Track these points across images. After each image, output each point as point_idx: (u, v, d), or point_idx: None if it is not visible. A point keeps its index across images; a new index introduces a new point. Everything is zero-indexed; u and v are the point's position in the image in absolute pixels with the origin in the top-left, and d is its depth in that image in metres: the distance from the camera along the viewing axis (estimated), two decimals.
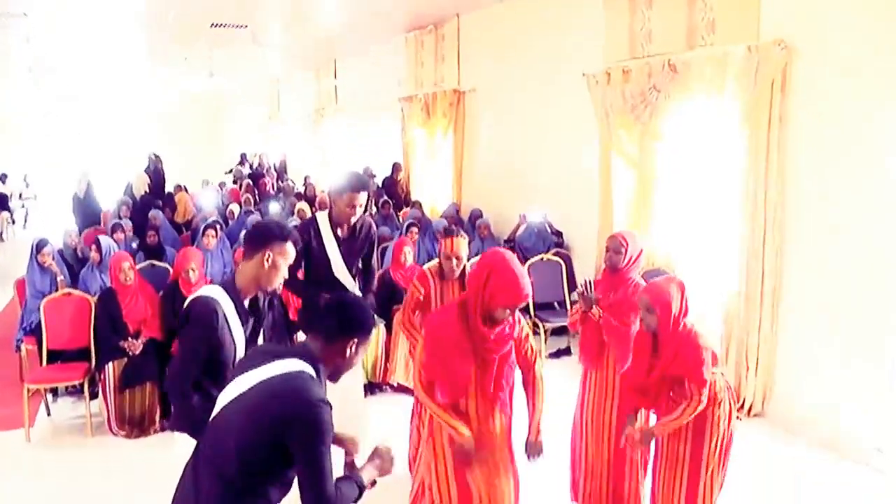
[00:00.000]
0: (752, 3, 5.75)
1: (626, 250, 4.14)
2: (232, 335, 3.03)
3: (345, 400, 4.53)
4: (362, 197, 4.59)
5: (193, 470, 2.50)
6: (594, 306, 4.13)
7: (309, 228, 4.72)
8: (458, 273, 4.47)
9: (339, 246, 4.70)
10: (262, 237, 3.16)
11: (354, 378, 4.83)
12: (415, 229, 8.05)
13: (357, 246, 4.80)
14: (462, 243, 4.50)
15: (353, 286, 4.77)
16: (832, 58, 5.24)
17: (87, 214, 11.56)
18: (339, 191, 4.61)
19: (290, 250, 3.18)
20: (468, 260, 4.58)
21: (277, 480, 2.42)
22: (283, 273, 3.20)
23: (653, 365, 3.65)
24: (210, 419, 2.52)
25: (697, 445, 3.67)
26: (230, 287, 3.10)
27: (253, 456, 2.34)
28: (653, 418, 3.90)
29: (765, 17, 5.68)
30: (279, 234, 3.16)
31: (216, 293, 3.06)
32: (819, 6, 5.31)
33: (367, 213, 5.30)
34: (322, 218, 4.75)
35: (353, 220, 4.64)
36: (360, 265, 4.90)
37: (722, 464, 3.71)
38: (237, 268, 3.24)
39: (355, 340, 2.55)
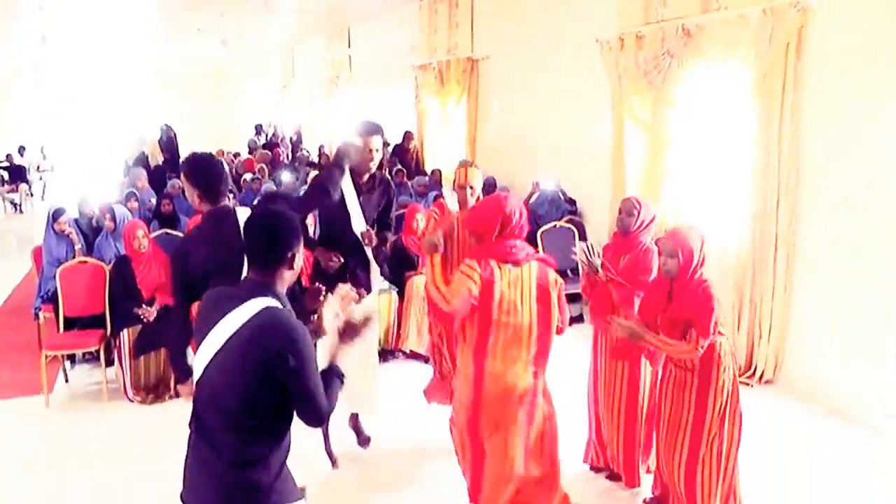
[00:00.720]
0: None
1: (639, 213, 4.15)
2: None
3: (358, 364, 4.57)
4: (376, 140, 4.49)
5: (201, 436, 2.51)
6: (599, 269, 4.12)
7: (327, 181, 4.60)
8: (472, 202, 4.51)
9: (358, 197, 4.55)
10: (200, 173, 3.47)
11: (369, 343, 4.78)
12: (443, 200, 8.04)
13: (375, 199, 4.67)
14: (476, 172, 4.61)
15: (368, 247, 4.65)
16: (849, 20, 5.16)
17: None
18: (353, 138, 4.53)
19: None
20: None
21: (286, 412, 2.47)
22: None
23: (665, 309, 3.71)
24: (197, 380, 2.52)
25: (700, 410, 3.69)
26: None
27: (259, 400, 2.38)
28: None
29: None
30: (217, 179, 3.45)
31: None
32: None
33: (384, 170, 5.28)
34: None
35: (372, 165, 4.52)
36: (376, 220, 4.75)
37: (728, 430, 3.71)
38: None
39: (293, 253, 2.53)
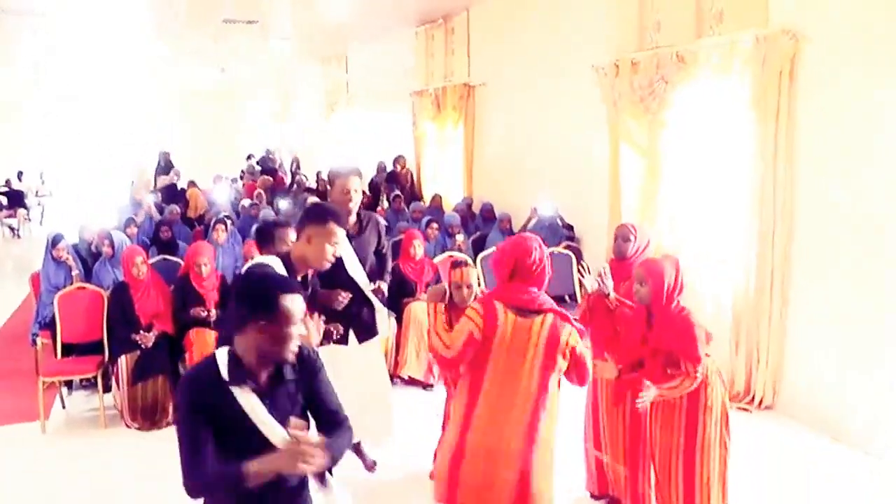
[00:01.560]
0: None
1: (635, 239, 4.17)
2: None
3: (370, 394, 4.60)
4: (354, 181, 4.52)
5: None
6: (612, 293, 4.12)
7: None
8: (470, 300, 4.42)
9: (350, 242, 4.53)
10: (306, 216, 3.50)
11: (375, 360, 4.84)
12: (435, 225, 8.08)
13: (366, 239, 4.70)
14: (471, 272, 4.50)
15: (366, 284, 4.63)
16: (841, 47, 5.22)
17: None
18: (331, 181, 4.64)
19: (332, 230, 3.44)
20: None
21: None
22: (328, 254, 3.46)
23: (646, 337, 3.72)
24: None
25: (691, 432, 3.70)
26: (286, 259, 3.35)
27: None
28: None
29: (773, 5, 5.67)
30: (321, 214, 3.49)
31: (272, 262, 3.27)
32: None
33: (379, 208, 5.29)
34: None
35: (352, 206, 4.54)
36: (373, 258, 4.79)
37: (719, 451, 3.72)
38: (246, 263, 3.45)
39: (262, 322, 2.35)
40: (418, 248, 6.84)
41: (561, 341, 3.09)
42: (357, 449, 5.02)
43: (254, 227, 8.03)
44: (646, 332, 3.73)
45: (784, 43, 5.46)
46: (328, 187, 4.69)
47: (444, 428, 4.76)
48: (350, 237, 4.52)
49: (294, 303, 2.38)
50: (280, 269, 3.30)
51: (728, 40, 5.91)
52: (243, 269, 3.46)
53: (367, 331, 4.69)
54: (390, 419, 4.94)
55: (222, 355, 2.42)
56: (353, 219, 4.58)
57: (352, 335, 4.61)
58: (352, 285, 4.48)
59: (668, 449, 3.79)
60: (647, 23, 6.99)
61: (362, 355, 4.64)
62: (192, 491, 2.34)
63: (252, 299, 2.40)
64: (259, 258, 3.39)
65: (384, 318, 4.83)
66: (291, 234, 3.75)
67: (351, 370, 4.35)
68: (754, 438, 5.36)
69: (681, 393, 3.63)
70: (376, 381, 4.83)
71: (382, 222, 4.88)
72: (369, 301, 4.64)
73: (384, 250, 4.88)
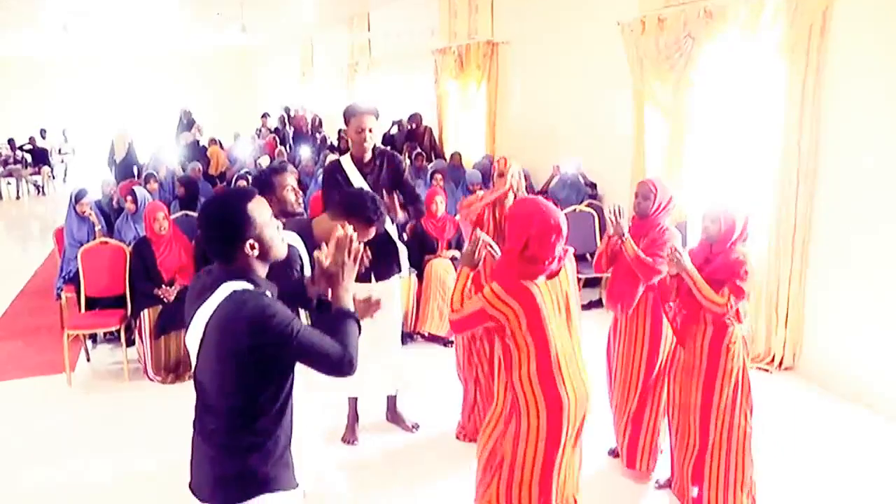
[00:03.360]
0: None
1: (655, 196, 4.09)
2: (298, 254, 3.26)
3: (380, 347, 4.52)
4: (370, 119, 4.45)
5: (197, 425, 2.51)
6: (626, 233, 4.07)
7: (334, 173, 4.57)
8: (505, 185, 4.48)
9: (366, 180, 4.50)
10: (353, 208, 3.47)
11: (391, 325, 4.73)
12: (439, 176, 8.08)
13: (383, 177, 4.58)
14: (512, 161, 4.58)
15: (388, 223, 4.41)
16: (874, 2, 5.07)
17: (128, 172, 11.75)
18: (347, 119, 4.53)
19: (370, 234, 3.51)
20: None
21: (275, 397, 2.39)
22: (290, 196, 3.62)
23: (702, 270, 3.68)
24: (193, 374, 2.49)
25: (707, 395, 3.70)
26: (307, 232, 3.32)
27: (240, 387, 2.32)
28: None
29: None
30: (370, 214, 3.47)
31: (292, 239, 3.22)
32: None
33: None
34: (345, 160, 4.61)
35: (367, 144, 4.48)
36: (398, 195, 4.56)
37: (738, 419, 3.70)
38: (316, 216, 3.46)
39: (250, 241, 2.35)
40: (440, 205, 6.82)
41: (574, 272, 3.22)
42: (394, 413, 5.00)
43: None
44: (702, 266, 3.70)
45: None
46: (345, 124, 4.57)
47: (466, 387, 4.79)
48: (365, 175, 4.51)
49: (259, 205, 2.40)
50: (298, 242, 3.31)
51: None
52: None
53: (387, 269, 4.60)
54: (400, 371, 4.88)
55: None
56: (368, 156, 4.55)
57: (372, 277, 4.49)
58: None
59: (686, 409, 3.79)
60: None
61: (380, 296, 4.53)
62: (349, 364, 2.37)
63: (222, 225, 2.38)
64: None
65: (404, 258, 4.76)
66: (290, 179, 3.67)
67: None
68: (773, 400, 5.33)
69: (704, 300, 3.59)
70: (389, 328, 4.70)
71: (399, 158, 4.75)
72: (390, 239, 4.57)
73: (408, 185, 4.70)
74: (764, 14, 5.68)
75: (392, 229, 4.58)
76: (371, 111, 4.48)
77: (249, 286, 2.34)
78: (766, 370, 5.89)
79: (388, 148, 5.32)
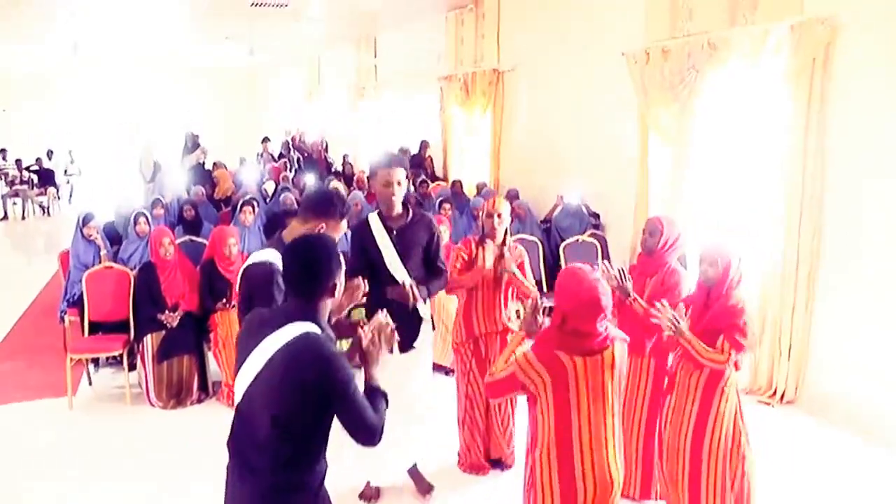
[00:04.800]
0: None
1: (662, 233, 4.11)
2: None
3: (403, 417, 4.25)
4: (398, 173, 4.14)
5: (237, 459, 2.54)
6: (631, 293, 4.06)
7: (361, 231, 4.30)
8: (500, 234, 4.46)
9: (391, 239, 4.21)
10: (321, 208, 3.30)
11: (416, 395, 4.44)
12: (447, 205, 8.07)
13: (410, 236, 4.27)
14: (503, 201, 4.53)
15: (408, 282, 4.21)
16: (877, 34, 5.14)
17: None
18: (374, 171, 4.25)
19: (342, 227, 3.35)
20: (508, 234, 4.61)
21: (321, 437, 2.50)
22: None
23: (702, 316, 3.69)
24: (237, 405, 2.54)
25: (698, 437, 3.68)
26: (280, 247, 3.17)
27: (294, 425, 2.40)
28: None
29: None
30: (338, 209, 3.31)
31: (270, 256, 3.17)
32: None
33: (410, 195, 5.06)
34: (373, 219, 4.29)
35: (395, 199, 4.17)
36: (422, 263, 4.32)
37: (731, 464, 3.67)
38: (285, 230, 3.38)
39: (334, 282, 2.51)
40: (444, 233, 6.82)
41: (624, 364, 3.04)
42: (414, 471, 4.71)
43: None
44: (702, 312, 3.70)
45: (819, 31, 5.37)
46: (368, 178, 4.41)
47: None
48: (391, 230, 4.23)
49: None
50: (279, 259, 3.08)
51: (762, 29, 5.82)
52: (242, 268, 3.30)
53: (409, 340, 4.24)
54: (419, 448, 4.63)
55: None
56: (397, 210, 4.25)
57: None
58: (390, 276, 4.18)
59: (675, 450, 3.77)
60: (679, 10, 6.88)
61: (404, 367, 4.25)
62: (380, 434, 2.53)
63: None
64: (257, 254, 3.26)
65: (427, 328, 4.42)
66: (343, 225, 3.59)
67: (393, 383, 4.20)
68: (775, 434, 5.31)
69: (703, 360, 3.57)
70: (414, 398, 4.40)
71: (437, 225, 4.48)
72: (414, 310, 4.21)
73: (438, 259, 4.39)
74: (767, 46, 5.73)
75: (404, 279, 4.23)
76: (399, 164, 4.20)
77: (319, 330, 2.45)
78: (768, 403, 5.88)
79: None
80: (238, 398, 2.51)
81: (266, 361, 2.40)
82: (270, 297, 3.07)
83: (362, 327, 2.77)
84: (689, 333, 3.61)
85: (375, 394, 2.61)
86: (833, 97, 5.46)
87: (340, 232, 3.37)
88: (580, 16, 8.64)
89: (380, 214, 4.29)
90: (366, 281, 3.29)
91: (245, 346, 2.51)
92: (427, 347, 4.49)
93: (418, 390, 4.44)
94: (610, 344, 2.94)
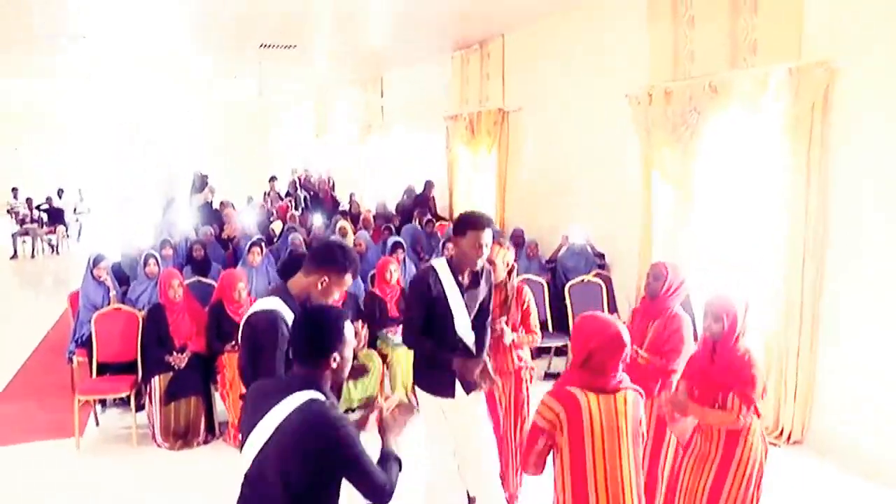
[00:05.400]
0: (794, 23, 5.74)
1: (666, 278, 4.15)
2: None
3: (474, 435, 4.33)
4: (488, 235, 4.02)
5: None
6: (638, 351, 4.07)
7: (427, 279, 4.15)
8: (499, 277, 4.47)
9: (462, 295, 4.12)
10: (324, 260, 3.30)
11: (482, 414, 4.46)
12: (400, 250, 8.04)
13: (479, 294, 4.22)
14: (498, 250, 4.53)
15: (471, 337, 4.22)
16: (875, 78, 5.21)
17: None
18: (462, 229, 4.06)
19: (347, 280, 3.34)
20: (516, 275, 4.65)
21: (328, 496, 2.61)
22: (334, 298, 3.35)
23: (708, 372, 3.68)
24: (245, 474, 2.63)
25: (718, 484, 3.66)
26: (285, 295, 3.23)
27: (303, 491, 2.49)
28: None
29: (807, 37, 5.66)
30: (342, 262, 3.29)
31: (274, 304, 3.18)
32: (863, 26, 5.29)
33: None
34: (440, 265, 4.18)
35: (480, 262, 4.07)
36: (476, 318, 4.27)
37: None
38: (292, 279, 3.40)
39: (335, 355, 2.62)
40: (394, 273, 7.03)
41: (641, 417, 3.07)
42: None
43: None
44: (708, 367, 3.70)
45: (818, 75, 5.45)
46: (454, 230, 4.16)
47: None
48: (462, 288, 4.14)
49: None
50: (283, 308, 3.17)
51: (762, 72, 5.91)
52: (245, 316, 3.32)
53: (473, 381, 4.19)
54: (495, 478, 4.54)
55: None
56: (475, 269, 4.15)
57: (458, 387, 4.20)
58: (457, 344, 4.15)
59: (693, 494, 3.75)
60: (681, 53, 6.99)
61: (469, 408, 4.29)
62: (390, 494, 2.65)
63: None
64: (261, 302, 3.27)
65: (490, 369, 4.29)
66: (349, 280, 3.56)
67: (460, 422, 4.25)
68: (782, 475, 5.29)
69: (715, 423, 3.60)
70: (483, 435, 4.41)
71: (493, 278, 4.46)
72: (470, 352, 4.21)
73: (488, 308, 4.38)
74: (767, 89, 5.81)
75: (469, 339, 4.21)
76: (491, 223, 4.08)
77: (322, 398, 2.55)
78: (775, 444, 5.86)
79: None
80: (247, 466, 2.60)
81: (274, 429, 2.49)
82: (274, 345, 3.11)
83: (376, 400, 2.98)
84: (695, 405, 3.63)
85: (388, 458, 2.73)
86: (833, 140, 5.53)
87: (345, 286, 3.37)
88: (584, 57, 8.76)
89: (450, 264, 4.16)
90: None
91: (251, 417, 2.59)
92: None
93: (482, 431, 4.39)
94: (624, 389, 3.01)
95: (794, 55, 5.70)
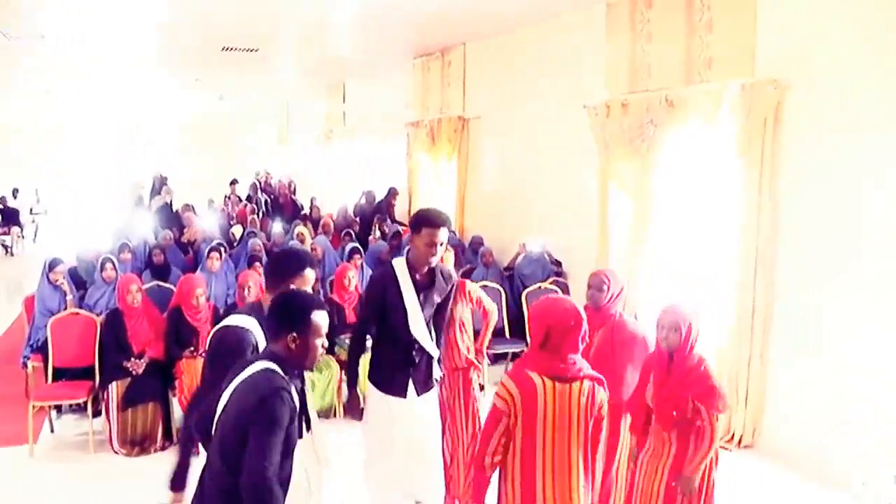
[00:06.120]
0: (747, 42, 5.91)
1: (609, 288, 4.22)
2: None
3: (420, 453, 4.35)
4: (443, 233, 4.04)
5: (205, 475, 2.81)
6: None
7: (383, 280, 4.23)
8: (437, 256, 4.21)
9: (417, 294, 4.15)
10: (282, 272, 3.35)
11: (432, 417, 4.47)
12: (357, 256, 8.13)
13: (435, 295, 4.23)
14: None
15: (430, 343, 4.24)
16: (823, 96, 5.39)
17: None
18: (417, 226, 4.10)
19: (309, 276, 3.39)
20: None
21: None
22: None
23: (665, 383, 3.75)
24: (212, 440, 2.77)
25: (672, 488, 3.76)
26: (259, 314, 3.26)
27: (231, 451, 2.62)
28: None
29: (759, 55, 5.83)
30: (297, 265, 3.36)
31: (246, 322, 3.21)
32: (811, 46, 5.46)
33: (371, 237, 5.01)
34: (399, 264, 4.21)
35: (433, 259, 4.09)
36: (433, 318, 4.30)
37: None
38: (241, 292, 3.44)
39: (293, 335, 2.75)
40: (352, 280, 7.12)
41: (597, 409, 3.06)
42: None
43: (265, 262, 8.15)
44: (665, 378, 3.76)
45: (769, 92, 5.62)
46: (412, 230, 4.17)
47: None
48: (418, 287, 4.17)
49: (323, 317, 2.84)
50: (255, 327, 3.18)
51: (716, 87, 6.06)
52: (212, 331, 3.36)
53: (425, 383, 4.30)
54: (439, 480, 4.59)
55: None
56: (430, 266, 4.17)
57: (411, 388, 4.25)
58: (412, 343, 4.18)
59: (648, 494, 3.85)
60: (638, 66, 7.13)
61: (420, 409, 4.31)
62: (259, 479, 2.59)
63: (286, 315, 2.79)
64: (231, 318, 3.29)
65: (437, 364, 4.40)
66: (310, 274, 3.48)
67: (407, 424, 4.26)
68: (733, 478, 5.43)
69: (709, 453, 3.68)
70: (430, 438, 4.45)
71: (455, 283, 4.46)
72: (429, 353, 4.28)
73: (444, 312, 4.38)
74: (721, 106, 5.96)
75: (424, 338, 4.22)
76: (446, 222, 4.10)
77: (276, 367, 2.72)
78: (726, 448, 6.00)
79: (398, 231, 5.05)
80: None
81: (230, 393, 2.71)
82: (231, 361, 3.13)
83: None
84: (698, 474, 3.70)
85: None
86: (783, 155, 5.70)
87: (310, 280, 3.41)
88: (543, 68, 8.87)
89: (408, 264, 4.19)
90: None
91: (228, 381, 2.77)
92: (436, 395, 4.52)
93: (429, 434, 4.42)
94: (582, 378, 3.02)
95: (748, 72, 5.86)
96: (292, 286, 3.26)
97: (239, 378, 2.71)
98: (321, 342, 2.85)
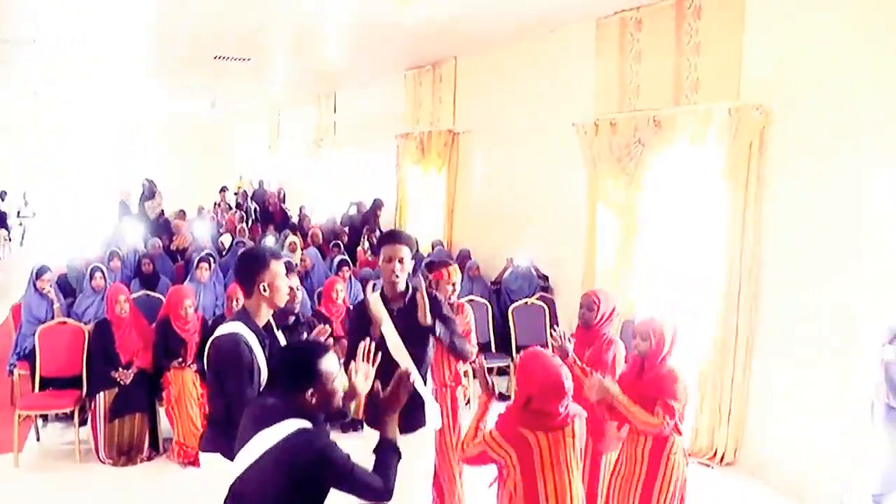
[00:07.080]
0: (733, 66, 5.99)
1: (598, 307, 4.31)
2: (257, 362, 3.27)
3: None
4: (402, 250, 3.93)
5: None
6: (570, 353, 4.20)
7: (361, 316, 4.10)
8: (402, 278, 4.04)
9: (394, 322, 4.00)
10: (249, 273, 3.40)
11: (417, 460, 4.07)
12: (346, 268, 8.19)
13: (414, 319, 3.99)
14: (457, 270, 4.67)
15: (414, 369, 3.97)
16: (806, 122, 5.48)
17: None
18: (378, 249, 4.04)
19: (276, 267, 3.41)
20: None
21: None
22: (285, 287, 3.46)
23: (634, 385, 3.86)
24: (230, 487, 2.68)
25: (644, 502, 3.83)
26: (245, 319, 3.35)
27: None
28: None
29: (745, 80, 5.92)
30: (259, 262, 3.40)
31: (235, 328, 3.28)
32: (795, 73, 5.56)
33: (360, 249, 4.93)
34: (374, 299, 4.10)
35: (395, 278, 3.94)
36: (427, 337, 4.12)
37: None
38: (230, 304, 3.48)
39: (311, 391, 2.66)
40: (340, 293, 7.07)
41: (585, 439, 3.28)
42: None
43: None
44: (636, 381, 3.89)
45: (754, 116, 5.70)
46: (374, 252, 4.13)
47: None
48: (393, 313, 4.03)
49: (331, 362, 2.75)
50: (245, 330, 3.27)
51: (702, 109, 6.15)
52: (207, 346, 3.40)
53: (408, 421, 3.75)
54: None
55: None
56: (399, 289, 4.01)
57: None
58: (393, 368, 3.89)
59: None
60: (627, 86, 7.21)
61: (410, 452, 3.86)
62: (388, 493, 2.76)
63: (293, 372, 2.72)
64: (224, 326, 3.33)
65: (434, 410, 4.18)
66: (277, 265, 3.48)
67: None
68: (715, 495, 5.51)
69: (639, 423, 3.75)
70: (416, 484, 4.08)
71: (441, 299, 4.24)
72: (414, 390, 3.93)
73: (445, 319, 4.14)
74: (708, 128, 6.05)
75: (418, 382, 3.98)
76: (404, 241, 4.01)
77: (310, 425, 2.63)
78: (708, 465, 6.08)
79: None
80: (233, 480, 2.67)
81: (262, 453, 2.58)
82: (236, 367, 3.21)
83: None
84: (618, 390, 3.81)
85: (387, 451, 2.87)
86: (768, 180, 5.79)
87: (280, 273, 3.42)
88: (534, 85, 8.94)
89: (382, 293, 4.08)
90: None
91: (244, 434, 2.69)
92: (431, 434, 4.25)
93: (419, 476, 4.16)
94: (570, 421, 3.17)
95: (734, 96, 5.95)
96: (264, 283, 3.32)
97: (269, 438, 2.58)
98: (340, 383, 2.77)
